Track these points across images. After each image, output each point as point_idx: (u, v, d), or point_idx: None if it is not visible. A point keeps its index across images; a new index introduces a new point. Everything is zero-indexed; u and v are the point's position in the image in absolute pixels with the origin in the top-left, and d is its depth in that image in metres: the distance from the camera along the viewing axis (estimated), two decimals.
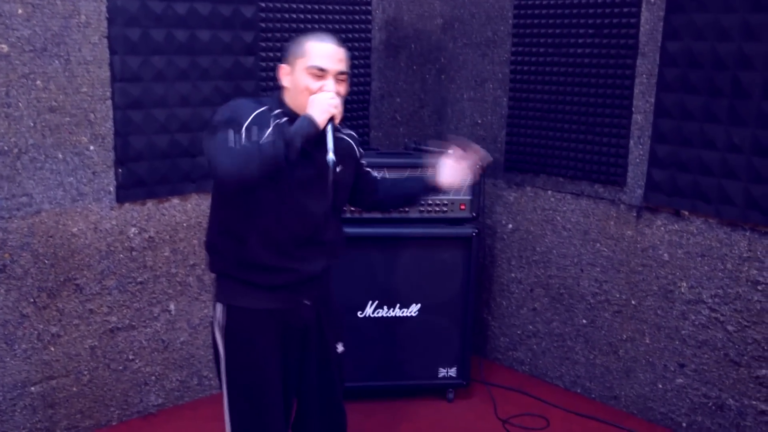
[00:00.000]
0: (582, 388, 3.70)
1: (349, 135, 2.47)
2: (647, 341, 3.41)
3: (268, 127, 2.17)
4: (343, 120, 2.42)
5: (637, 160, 3.34)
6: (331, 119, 2.17)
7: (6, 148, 2.86)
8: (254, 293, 2.29)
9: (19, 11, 2.81)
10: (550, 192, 3.69)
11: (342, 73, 2.26)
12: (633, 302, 3.44)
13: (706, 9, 3.01)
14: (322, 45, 2.25)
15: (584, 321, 3.64)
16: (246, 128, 2.15)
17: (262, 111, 2.23)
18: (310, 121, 2.13)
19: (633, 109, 3.33)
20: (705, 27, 3.02)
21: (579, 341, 3.67)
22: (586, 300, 3.61)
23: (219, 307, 2.34)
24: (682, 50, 3.11)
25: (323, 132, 2.15)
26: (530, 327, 3.87)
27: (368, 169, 2.57)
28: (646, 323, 3.41)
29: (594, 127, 3.47)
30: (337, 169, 2.22)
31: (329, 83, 2.22)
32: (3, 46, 2.79)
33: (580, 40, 3.46)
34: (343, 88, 2.27)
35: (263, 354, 2.31)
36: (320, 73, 2.22)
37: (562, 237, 3.66)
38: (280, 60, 2.35)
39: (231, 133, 2.12)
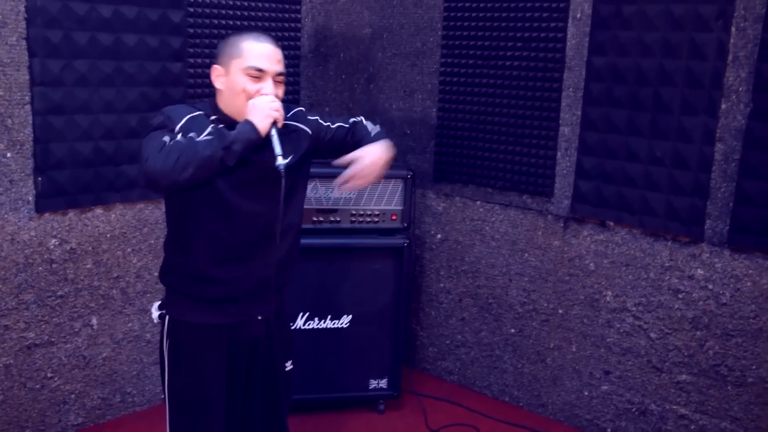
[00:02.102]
0: (510, 397, 3.74)
1: (296, 116, 2.36)
2: (574, 349, 3.48)
3: (202, 132, 2.08)
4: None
5: (564, 171, 3.41)
6: (274, 124, 2.11)
7: None
8: (201, 308, 2.22)
9: None
10: (479, 202, 3.73)
11: (280, 74, 2.19)
12: (560, 311, 3.51)
13: (630, 26, 3.11)
14: (260, 45, 2.16)
15: (512, 330, 3.68)
16: (180, 129, 2.07)
17: (197, 115, 2.15)
18: (252, 128, 2.06)
19: (560, 121, 3.40)
20: (628, 43, 3.12)
21: (507, 350, 3.72)
22: (515, 309, 3.66)
23: (166, 319, 2.27)
24: (606, 65, 3.20)
25: (266, 138, 2.10)
26: (459, 337, 3.89)
27: (337, 125, 2.43)
28: (572, 332, 3.48)
29: (522, 139, 3.53)
30: (286, 161, 2.13)
31: (268, 85, 2.15)
32: None
33: (509, 53, 3.52)
34: (281, 91, 2.20)
35: (207, 369, 2.25)
36: (258, 74, 2.14)
37: (491, 247, 3.71)
38: (211, 61, 2.26)
39: (164, 134, 2.04)
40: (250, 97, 2.13)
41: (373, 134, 2.41)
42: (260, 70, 2.14)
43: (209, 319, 2.23)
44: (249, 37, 2.18)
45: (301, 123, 2.36)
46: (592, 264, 3.38)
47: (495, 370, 3.78)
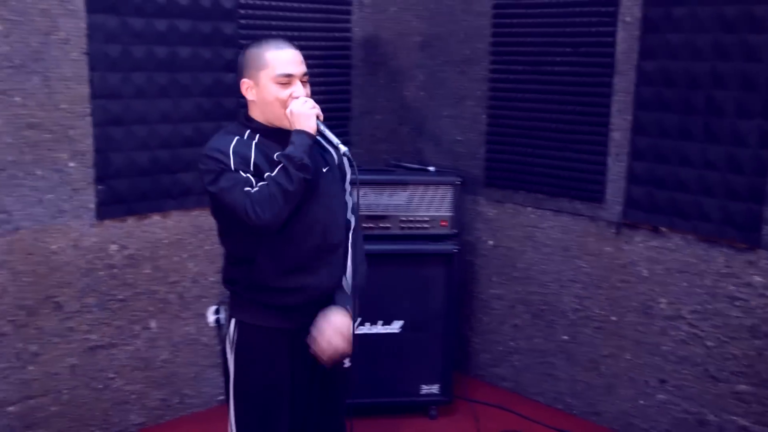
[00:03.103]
0: (563, 404, 3.71)
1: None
2: (628, 357, 3.43)
3: (250, 152, 2.18)
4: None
5: (615, 176, 3.38)
6: (318, 119, 2.20)
7: None
8: (266, 313, 2.29)
9: None
10: (530, 208, 3.72)
11: (305, 74, 2.27)
12: (613, 318, 3.46)
13: (681, 29, 3.07)
14: (283, 52, 2.23)
15: (565, 337, 3.65)
16: (236, 165, 2.14)
17: (237, 141, 2.21)
18: (304, 134, 2.15)
19: (610, 126, 3.37)
20: (679, 46, 3.08)
21: (560, 357, 3.69)
22: (567, 316, 3.63)
23: (232, 322, 2.33)
24: (657, 69, 3.16)
25: (317, 137, 2.19)
26: (512, 343, 3.88)
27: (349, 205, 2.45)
28: (626, 339, 3.43)
29: (572, 144, 3.51)
30: (324, 170, 2.25)
31: (298, 88, 2.23)
32: None
33: (558, 58, 3.51)
34: (308, 89, 2.28)
35: (273, 371, 2.31)
36: (287, 80, 2.21)
37: (543, 253, 3.69)
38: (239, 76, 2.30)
39: (232, 179, 2.12)
40: (284, 103, 2.21)
41: (352, 288, 2.35)
42: (289, 76, 2.21)
43: (274, 323, 2.29)
44: (270, 47, 2.24)
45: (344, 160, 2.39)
46: (645, 270, 3.33)
47: (548, 377, 3.75)
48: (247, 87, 2.26)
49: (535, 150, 3.65)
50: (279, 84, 2.21)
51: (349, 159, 2.24)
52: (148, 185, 3.25)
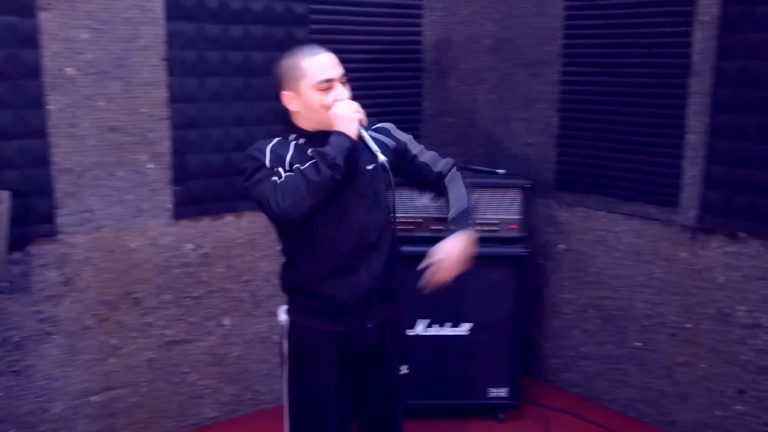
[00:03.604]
0: (636, 412, 3.63)
1: (379, 129, 2.44)
2: (703, 365, 3.34)
3: (287, 151, 2.23)
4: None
5: (691, 180, 3.29)
6: (360, 125, 2.21)
7: (70, 166, 2.99)
8: (314, 315, 2.33)
9: (84, 36, 2.95)
10: (602, 212, 3.66)
11: (344, 75, 2.27)
12: (688, 325, 3.37)
13: (762, 28, 2.96)
14: (318, 58, 2.24)
15: (638, 343, 3.58)
16: (271, 162, 2.19)
17: (277, 141, 2.27)
18: (344, 137, 2.16)
19: (686, 129, 3.28)
20: (761, 46, 2.98)
21: (633, 364, 3.61)
22: (640, 322, 3.56)
23: (288, 320, 2.39)
24: (736, 69, 3.07)
25: (358, 141, 2.19)
26: (583, 348, 3.82)
27: (424, 161, 2.49)
28: (702, 347, 3.33)
29: (646, 147, 3.44)
30: (368, 168, 2.27)
31: (340, 91, 2.24)
32: (69, 69, 2.94)
33: (631, 60, 3.44)
34: (348, 89, 2.28)
35: (321, 371, 2.35)
36: (328, 84, 2.22)
37: (615, 258, 3.62)
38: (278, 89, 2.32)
39: (267, 174, 2.17)
40: (329, 108, 2.22)
41: (458, 211, 2.45)
42: (329, 80, 2.22)
43: (322, 325, 2.33)
44: (304, 55, 2.25)
45: (383, 135, 2.43)
46: (722, 277, 3.23)
47: (620, 383, 3.68)
48: (289, 98, 2.28)
49: (608, 153, 3.59)
50: (320, 90, 2.22)
51: (386, 168, 2.21)
52: (222, 186, 3.35)
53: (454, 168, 2.55)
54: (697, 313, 3.33)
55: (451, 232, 2.43)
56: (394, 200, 2.35)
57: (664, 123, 3.36)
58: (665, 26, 3.30)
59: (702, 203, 3.25)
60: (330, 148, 2.13)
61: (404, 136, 2.49)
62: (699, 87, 3.22)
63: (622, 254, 3.59)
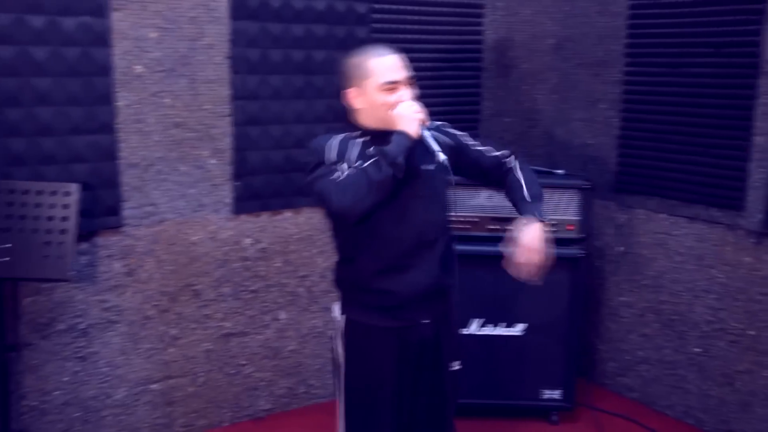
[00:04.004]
0: (694, 420, 3.56)
1: (438, 128, 2.44)
2: (766, 374, 3.25)
3: (349, 148, 2.25)
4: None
5: (758, 183, 3.20)
6: (422, 124, 2.22)
7: (136, 160, 3.09)
8: (370, 312, 2.35)
9: (153, 35, 3.04)
10: (662, 215, 3.59)
11: (410, 77, 2.29)
12: (751, 332, 3.29)
13: None
14: (385, 59, 2.26)
15: (697, 349, 3.50)
16: (336, 157, 2.23)
17: (343, 138, 2.30)
18: (406, 136, 2.18)
19: (753, 130, 3.20)
20: None
21: (692, 370, 3.54)
22: (700, 327, 3.48)
23: (343, 318, 2.41)
24: None
25: (419, 141, 2.21)
26: (640, 353, 3.76)
27: (481, 148, 2.47)
28: (766, 355, 3.25)
29: (711, 149, 3.36)
30: (430, 167, 2.28)
31: (405, 92, 2.26)
32: (137, 66, 3.03)
33: (698, 59, 3.37)
34: (414, 91, 2.30)
35: (379, 368, 2.37)
36: (393, 86, 2.25)
37: (675, 262, 3.56)
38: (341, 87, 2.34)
39: (330, 170, 2.20)
40: (392, 107, 2.24)
41: (535, 195, 2.41)
42: (394, 82, 2.25)
43: (378, 321, 2.35)
44: (372, 55, 2.28)
45: (442, 134, 2.43)
46: None
47: (678, 389, 3.61)
48: (353, 96, 2.31)
49: (671, 155, 3.52)
50: (384, 91, 2.25)
51: (446, 168, 2.22)
52: (281, 183, 3.41)
53: (515, 156, 2.52)
54: (762, 320, 3.25)
55: (528, 211, 2.36)
56: (449, 200, 2.36)
57: (730, 124, 3.28)
58: (734, 24, 3.22)
59: None
60: (392, 147, 2.16)
61: (459, 132, 2.50)
62: None
63: (683, 258, 3.52)
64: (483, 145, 2.50)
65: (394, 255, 2.29)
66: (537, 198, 2.41)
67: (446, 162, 2.20)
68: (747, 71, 3.20)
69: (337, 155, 2.24)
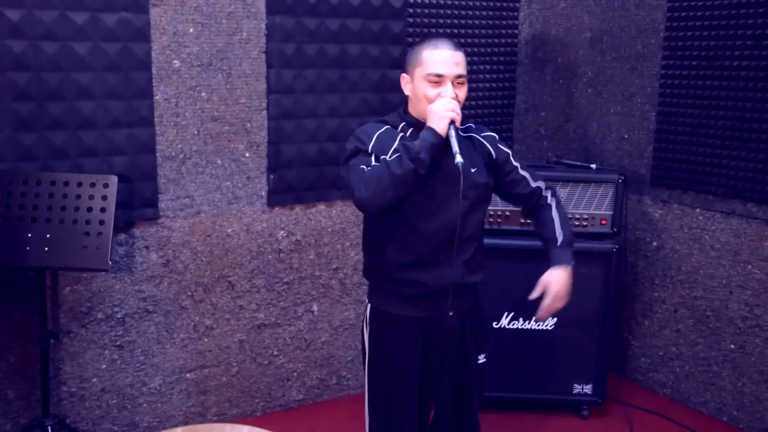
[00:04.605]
0: (728, 417, 3.53)
1: (486, 137, 2.44)
2: None
3: (393, 141, 2.24)
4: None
5: None
6: (452, 123, 2.19)
7: (173, 153, 3.14)
8: (397, 301, 2.37)
9: (190, 30, 3.09)
10: (698, 210, 3.56)
11: (460, 76, 2.26)
12: None
13: None
14: (438, 52, 2.24)
15: (732, 346, 3.47)
16: (373, 149, 2.23)
17: (386, 130, 2.30)
18: (433, 132, 2.17)
19: None
20: None
21: (726, 367, 3.51)
22: (735, 324, 3.45)
23: (368, 307, 2.44)
24: None
25: (447, 138, 2.19)
26: (673, 349, 3.73)
27: (523, 174, 2.47)
28: None
29: (748, 143, 3.32)
30: (472, 170, 2.26)
31: (447, 89, 2.23)
32: (175, 61, 3.08)
33: (737, 53, 3.33)
34: (462, 92, 2.28)
35: (403, 357, 2.38)
36: (438, 79, 2.23)
37: (710, 257, 3.52)
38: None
39: (361, 160, 2.21)
40: (430, 102, 2.23)
41: (567, 240, 2.42)
42: (439, 75, 2.23)
43: (405, 311, 2.37)
44: (429, 45, 2.27)
45: (491, 144, 2.42)
46: None
47: (712, 386, 3.58)
48: (405, 82, 2.33)
49: (707, 149, 3.49)
50: (429, 82, 2.24)
51: (459, 170, 2.17)
52: (315, 176, 3.44)
53: (553, 190, 2.53)
54: None
55: (559, 258, 2.40)
56: (487, 203, 2.38)
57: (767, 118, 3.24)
58: None
59: None
60: (417, 143, 2.16)
61: (507, 148, 2.49)
62: None
63: (718, 253, 3.49)
64: (525, 170, 2.49)
65: (425, 250, 2.30)
66: (569, 243, 2.43)
67: (461, 165, 2.16)
68: None
69: (379, 146, 2.25)
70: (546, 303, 2.37)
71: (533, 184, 2.49)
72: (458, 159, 2.15)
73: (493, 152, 2.42)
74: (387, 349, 2.41)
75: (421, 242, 2.29)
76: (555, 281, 2.37)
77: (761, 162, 3.28)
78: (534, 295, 2.39)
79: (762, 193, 3.28)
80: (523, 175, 2.48)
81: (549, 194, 2.50)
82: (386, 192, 2.13)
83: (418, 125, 2.28)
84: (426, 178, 2.22)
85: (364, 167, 2.18)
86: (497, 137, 2.48)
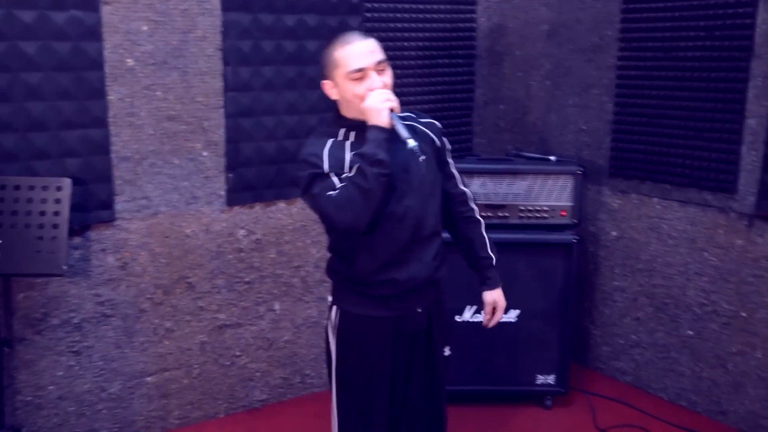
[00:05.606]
0: (687, 402, 3.59)
1: (427, 124, 2.40)
2: (759, 355, 3.28)
3: (344, 153, 2.19)
4: (446, 126, 2.45)
5: (750, 166, 3.22)
6: (392, 111, 2.14)
7: (129, 154, 3.08)
8: (366, 302, 2.34)
9: (144, 28, 3.02)
10: (656, 199, 3.61)
11: (380, 62, 2.19)
12: (743, 314, 3.32)
13: None
14: (350, 46, 2.18)
15: (690, 332, 3.53)
16: (330, 167, 2.16)
17: (332, 143, 2.23)
18: (378, 129, 2.12)
19: (746, 113, 3.21)
20: None
21: (684, 353, 3.57)
22: (693, 310, 3.51)
23: (334, 309, 2.40)
24: None
25: (392, 129, 2.14)
26: (633, 337, 3.79)
27: (454, 172, 2.48)
28: (757, 336, 3.28)
29: (703, 133, 3.37)
30: (421, 159, 2.17)
31: (373, 80, 2.17)
32: (129, 60, 3.01)
33: (691, 44, 3.37)
34: (388, 77, 2.22)
35: (373, 358, 2.37)
36: (360, 74, 2.16)
37: (668, 245, 3.57)
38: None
39: (323, 185, 2.14)
40: (363, 99, 2.17)
41: (494, 261, 2.56)
42: (360, 70, 2.17)
43: (373, 312, 2.35)
44: (339, 43, 2.21)
45: (433, 133, 2.40)
46: None
47: (671, 372, 3.64)
48: (329, 87, 2.26)
49: (664, 139, 3.53)
50: (353, 80, 2.17)
51: (416, 155, 2.13)
52: (274, 174, 3.41)
53: (476, 205, 2.57)
54: (753, 302, 3.27)
55: (496, 280, 2.58)
56: (440, 193, 2.36)
57: (722, 107, 3.29)
58: (727, 7, 3.22)
59: (761, 189, 3.18)
60: (368, 147, 2.10)
61: (447, 144, 2.47)
62: (761, 70, 3.14)
63: (675, 242, 3.54)
64: (456, 170, 2.50)
65: (394, 251, 2.27)
66: (496, 263, 2.57)
67: (417, 149, 2.11)
68: (739, 54, 3.20)
69: (335, 163, 2.18)
70: (497, 318, 2.60)
71: (461, 187, 2.50)
72: (411, 144, 2.10)
73: (436, 140, 2.39)
74: (357, 351, 2.38)
75: (390, 243, 2.26)
76: (500, 299, 2.58)
77: (715, 151, 3.33)
78: (487, 317, 2.60)
79: (717, 181, 3.34)
80: (454, 173, 2.48)
81: (476, 208, 2.54)
82: (365, 208, 2.10)
83: (360, 126, 2.21)
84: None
85: (331, 193, 2.12)
86: (439, 125, 2.45)
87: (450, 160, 2.48)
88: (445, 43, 3.81)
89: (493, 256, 2.54)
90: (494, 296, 2.56)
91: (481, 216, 2.56)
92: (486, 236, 2.55)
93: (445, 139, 2.46)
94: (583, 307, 3.97)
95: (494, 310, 2.57)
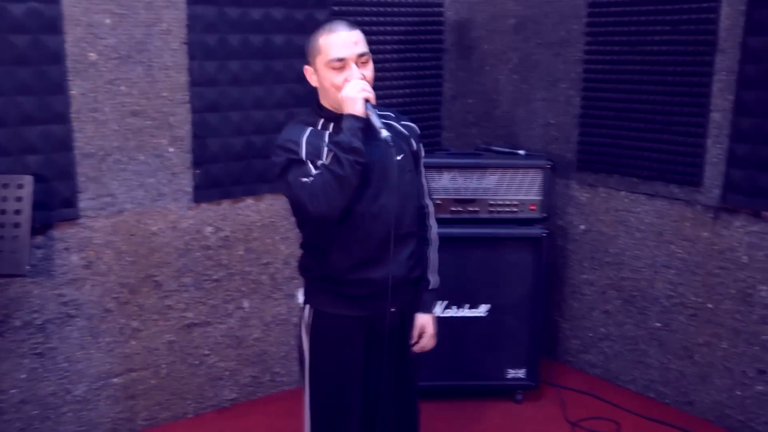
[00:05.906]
0: (655, 393, 3.63)
1: (407, 126, 2.40)
2: (724, 346, 3.33)
3: (323, 142, 2.17)
4: (415, 120, 2.43)
5: (715, 159, 3.26)
6: (367, 102, 2.13)
7: (92, 150, 3.00)
8: (339, 302, 2.32)
9: (107, 21, 2.95)
10: (623, 192, 3.64)
11: (362, 55, 2.18)
12: (709, 305, 3.36)
13: None
14: (335, 35, 2.16)
15: (658, 324, 3.57)
16: (307, 154, 2.15)
17: (311, 132, 2.21)
18: (353, 117, 2.11)
19: (711, 107, 3.25)
20: None
21: (652, 345, 3.60)
22: (660, 303, 3.54)
23: (307, 308, 2.37)
24: (765, 46, 3.02)
25: (368, 119, 2.13)
26: (602, 329, 3.82)
27: (424, 182, 2.47)
28: (723, 327, 3.32)
29: (669, 126, 3.41)
30: (398, 158, 2.18)
31: (353, 71, 2.16)
32: (91, 54, 2.93)
33: (656, 38, 3.40)
34: (368, 71, 2.21)
35: (347, 357, 2.35)
36: (340, 64, 2.15)
37: (636, 238, 3.60)
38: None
39: (298, 172, 2.13)
40: (339, 89, 2.16)
41: (431, 285, 2.47)
42: (341, 59, 2.16)
43: (348, 311, 2.32)
44: (323, 31, 2.20)
45: (412, 136, 2.39)
46: (745, 257, 3.21)
47: (639, 364, 3.68)
48: (309, 73, 2.25)
49: (630, 133, 3.56)
50: (333, 69, 2.16)
51: (389, 145, 2.12)
52: (242, 169, 3.36)
53: (436, 226, 2.53)
54: (719, 294, 3.32)
55: (429, 305, 2.50)
56: (417, 191, 2.34)
57: (688, 101, 3.33)
58: (692, 2, 3.25)
59: (725, 182, 3.22)
60: (344, 135, 2.09)
61: (422, 151, 2.46)
62: (725, 64, 3.18)
63: (643, 234, 3.57)
64: (425, 180, 2.48)
65: (368, 248, 2.25)
66: (437, 291, 2.50)
67: (390, 139, 2.10)
68: (704, 48, 3.24)
69: (312, 151, 2.17)
70: (423, 343, 2.49)
71: (425, 200, 2.48)
72: (384, 133, 2.09)
73: (414, 143, 2.39)
74: (330, 351, 2.36)
75: (364, 240, 2.24)
76: (428, 326, 2.49)
77: (682, 144, 3.37)
78: (415, 340, 2.48)
79: (683, 174, 3.37)
80: (423, 183, 2.47)
81: (433, 225, 2.51)
82: (339, 195, 2.08)
83: (337, 117, 2.20)
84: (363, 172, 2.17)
85: (306, 179, 2.10)
86: (418, 131, 2.44)
87: (422, 169, 2.46)
88: (413, 37, 3.80)
89: (432, 280, 2.47)
90: (423, 321, 2.47)
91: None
92: (432, 258, 2.48)
93: (421, 146, 2.44)
94: (552, 301, 3.99)
95: (421, 335, 2.47)
